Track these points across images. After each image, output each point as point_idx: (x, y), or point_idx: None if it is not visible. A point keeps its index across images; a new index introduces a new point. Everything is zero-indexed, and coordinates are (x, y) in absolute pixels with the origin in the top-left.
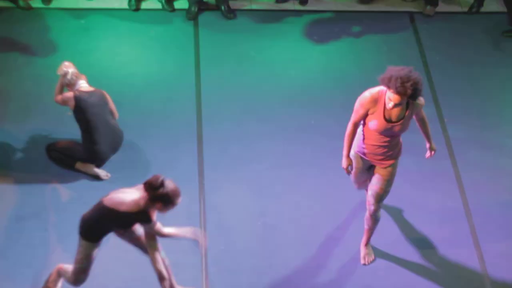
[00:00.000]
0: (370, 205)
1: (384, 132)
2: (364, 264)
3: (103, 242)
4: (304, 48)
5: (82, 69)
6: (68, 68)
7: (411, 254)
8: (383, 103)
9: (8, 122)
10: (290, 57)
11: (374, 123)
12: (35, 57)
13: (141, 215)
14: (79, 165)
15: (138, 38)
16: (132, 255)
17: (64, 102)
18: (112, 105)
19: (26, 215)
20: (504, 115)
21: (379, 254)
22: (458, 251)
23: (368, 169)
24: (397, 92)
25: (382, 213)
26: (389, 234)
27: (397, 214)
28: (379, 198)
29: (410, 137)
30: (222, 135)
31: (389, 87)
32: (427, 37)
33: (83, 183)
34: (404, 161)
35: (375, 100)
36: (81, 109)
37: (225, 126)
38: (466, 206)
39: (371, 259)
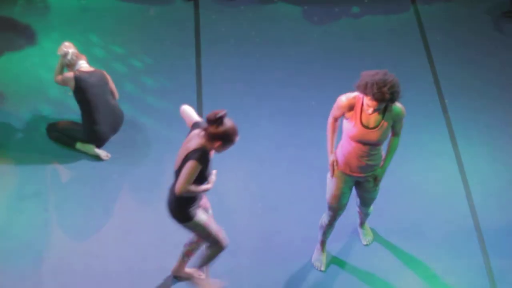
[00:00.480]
0: (358, 207)
1: (361, 140)
2: (366, 244)
3: (103, 222)
4: (304, 28)
5: (82, 49)
6: (68, 48)
7: (411, 234)
8: (360, 109)
9: (9, 103)
10: (291, 37)
11: (351, 129)
12: (35, 37)
13: (196, 151)
14: (79, 146)
15: (138, 17)
16: (133, 236)
17: (64, 83)
18: (112, 85)
19: (26, 195)
20: (504, 95)
21: (379, 233)
22: (457, 231)
23: (351, 189)
24: (375, 99)
25: (383, 193)
26: (388, 214)
27: (397, 194)
28: (367, 204)
29: (410, 119)
30: None
31: (366, 94)
32: (428, 18)
33: (84, 164)
34: (404, 141)
35: (351, 106)
36: (82, 90)
37: (225, 107)
38: (466, 186)
39: (371, 238)
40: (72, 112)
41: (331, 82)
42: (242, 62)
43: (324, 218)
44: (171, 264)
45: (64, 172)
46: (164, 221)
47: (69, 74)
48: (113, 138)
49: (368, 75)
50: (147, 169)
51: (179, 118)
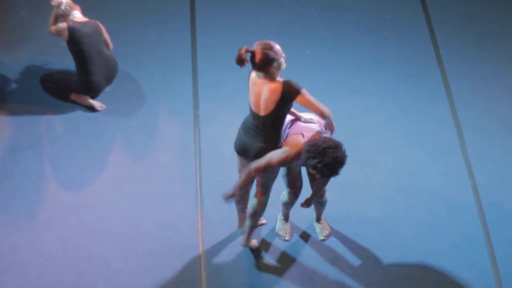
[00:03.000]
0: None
1: None
2: (323, 240)
3: (97, 174)
4: None
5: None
6: None
7: (405, 186)
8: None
9: (3, 53)
10: None
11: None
12: None
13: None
14: (73, 96)
15: None
16: (128, 187)
17: (58, 33)
18: (106, 36)
19: (20, 147)
20: (499, 47)
21: (374, 187)
22: (452, 183)
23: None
24: (327, 177)
25: (377, 145)
26: (383, 167)
27: (391, 146)
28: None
29: (406, 68)
30: (217, 66)
31: (317, 174)
32: None
33: (78, 114)
34: (399, 92)
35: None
36: (75, 40)
37: (220, 57)
38: (461, 137)
39: (327, 233)
40: (66, 63)
41: (325, 31)
42: (237, 12)
43: (285, 196)
44: (166, 215)
45: (58, 123)
46: (159, 172)
47: (63, 25)
48: (108, 89)
49: (314, 153)
50: (142, 120)
51: (174, 69)
